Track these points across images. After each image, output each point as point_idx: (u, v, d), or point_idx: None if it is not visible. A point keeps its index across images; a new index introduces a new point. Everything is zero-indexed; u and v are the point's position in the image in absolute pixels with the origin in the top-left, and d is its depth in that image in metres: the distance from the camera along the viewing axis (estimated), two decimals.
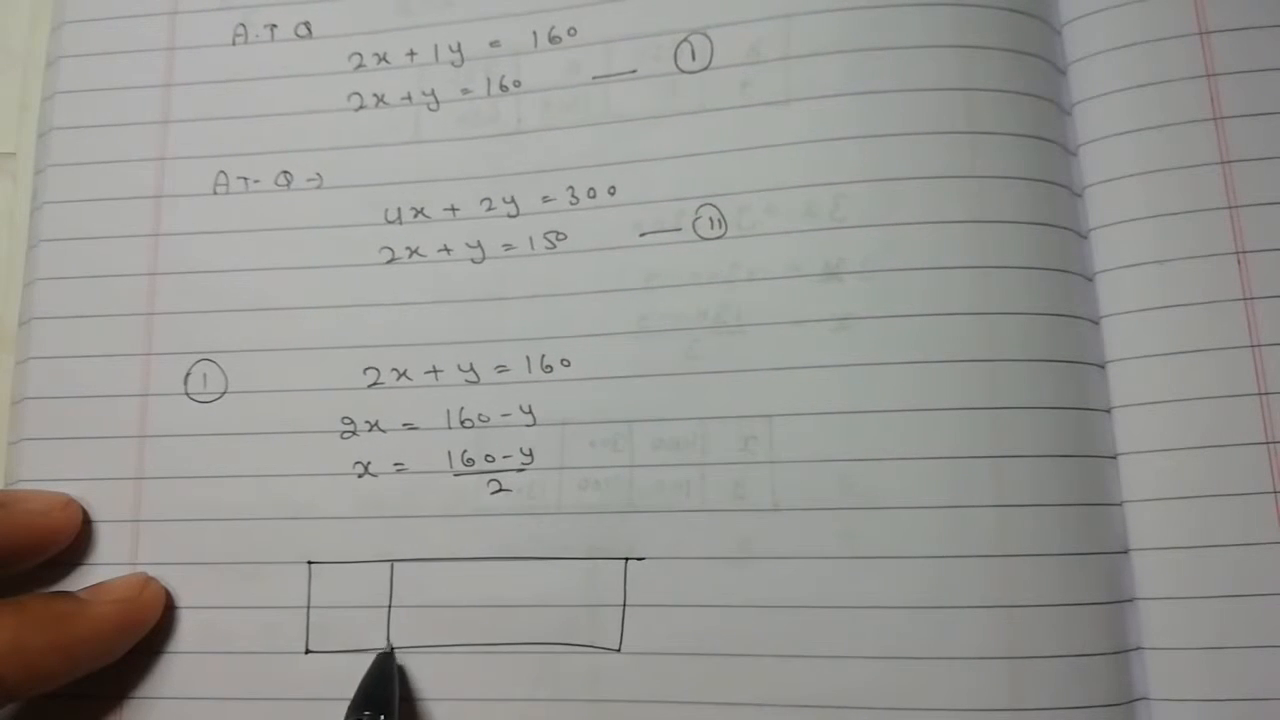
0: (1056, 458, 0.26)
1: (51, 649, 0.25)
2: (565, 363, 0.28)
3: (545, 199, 0.28)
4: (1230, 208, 0.26)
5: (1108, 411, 0.26)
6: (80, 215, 0.30)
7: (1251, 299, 0.26)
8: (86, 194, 0.30)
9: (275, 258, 0.29)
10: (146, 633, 0.27)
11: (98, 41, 0.31)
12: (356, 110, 0.30)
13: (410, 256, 0.29)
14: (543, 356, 0.28)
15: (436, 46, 0.30)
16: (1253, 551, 0.25)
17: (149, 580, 0.27)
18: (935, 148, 0.27)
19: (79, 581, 0.28)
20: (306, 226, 0.29)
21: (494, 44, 0.29)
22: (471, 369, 0.28)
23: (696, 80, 0.28)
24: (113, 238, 0.30)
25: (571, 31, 0.29)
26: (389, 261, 0.29)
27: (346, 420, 0.28)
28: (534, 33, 0.29)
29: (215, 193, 0.30)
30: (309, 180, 0.29)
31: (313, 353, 0.28)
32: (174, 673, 0.27)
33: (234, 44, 0.30)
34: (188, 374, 0.29)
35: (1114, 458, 0.26)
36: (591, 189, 0.28)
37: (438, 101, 0.29)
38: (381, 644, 0.27)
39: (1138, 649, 0.25)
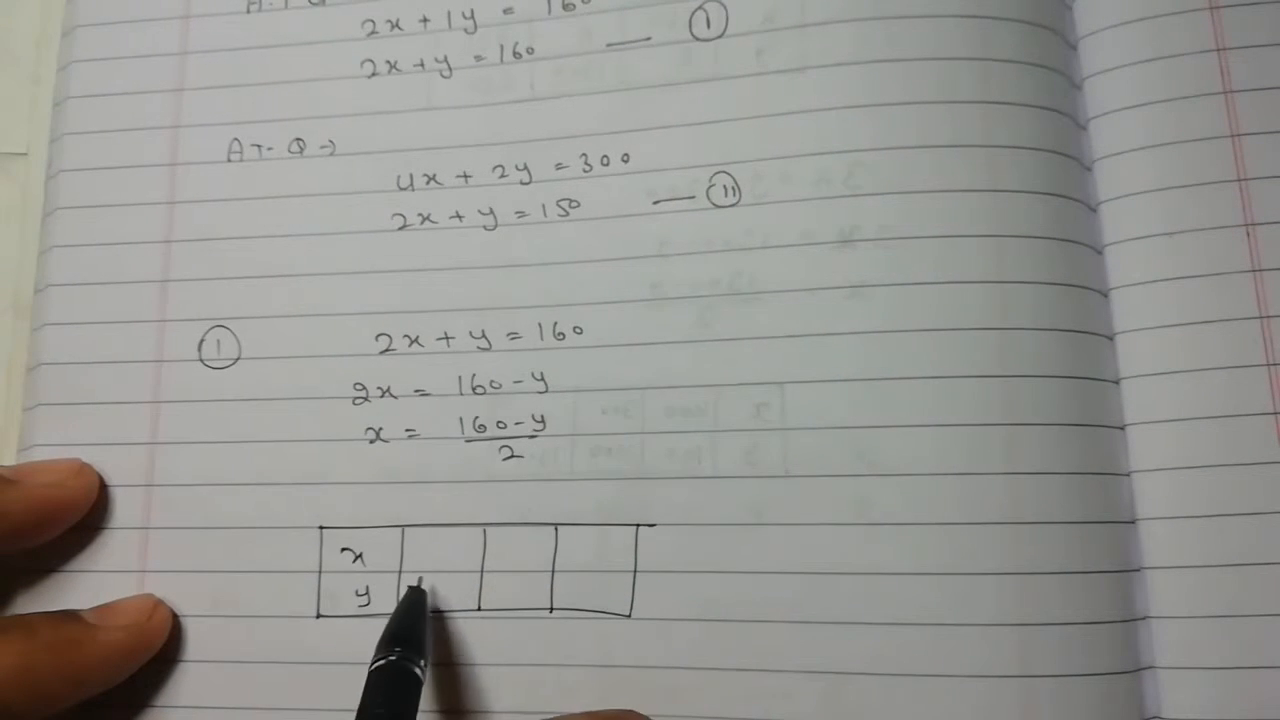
0: (1067, 426, 0.26)
1: (59, 675, 0.25)
2: (578, 330, 0.28)
3: (558, 166, 0.28)
4: (1239, 180, 0.27)
5: (1116, 383, 0.27)
6: (95, 183, 0.30)
7: (1260, 271, 0.26)
8: (101, 161, 0.30)
9: (288, 224, 0.29)
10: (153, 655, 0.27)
11: (113, 10, 0.31)
12: (369, 77, 0.30)
13: (422, 223, 0.29)
14: (555, 324, 0.28)
15: (449, 13, 0.29)
16: (1259, 521, 0.25)
17: (157, 604, 0.27)
18: (949, 117, 0.27)
19: (89, 548, 0.28)
20: (319, 193, 0.29)
21: (507, 10, 0.29)
22: (483, 335, 0.28)
23: (711, 48, 0.28)
24: (127, 205, 0.30)
25: None
26: (401, 228, 0.29)
27: (359, 386, 0.28)
28: None
29: (229, 160, 0.30)
30: (322, 147, 0.29)
31: (325, 319, 0.28)
32: (185, 637, 0.27)
33: (248, 11, 0.30)
34: (201, 340, 0.29)
35: (1123, 428, 0.26)
36: (605, 156, 0.28)
37: (450, 68, 0.29)
38: (391, 610, 0.27)
39: (1146, 618, 0.25)
